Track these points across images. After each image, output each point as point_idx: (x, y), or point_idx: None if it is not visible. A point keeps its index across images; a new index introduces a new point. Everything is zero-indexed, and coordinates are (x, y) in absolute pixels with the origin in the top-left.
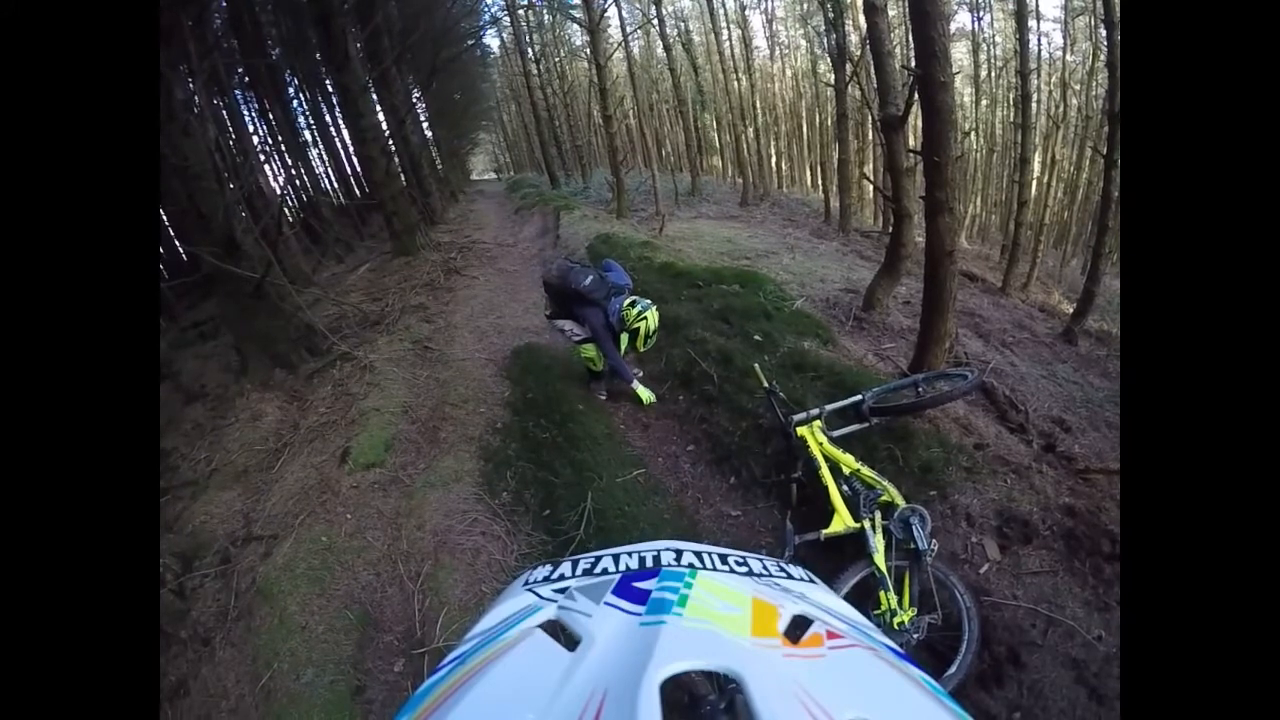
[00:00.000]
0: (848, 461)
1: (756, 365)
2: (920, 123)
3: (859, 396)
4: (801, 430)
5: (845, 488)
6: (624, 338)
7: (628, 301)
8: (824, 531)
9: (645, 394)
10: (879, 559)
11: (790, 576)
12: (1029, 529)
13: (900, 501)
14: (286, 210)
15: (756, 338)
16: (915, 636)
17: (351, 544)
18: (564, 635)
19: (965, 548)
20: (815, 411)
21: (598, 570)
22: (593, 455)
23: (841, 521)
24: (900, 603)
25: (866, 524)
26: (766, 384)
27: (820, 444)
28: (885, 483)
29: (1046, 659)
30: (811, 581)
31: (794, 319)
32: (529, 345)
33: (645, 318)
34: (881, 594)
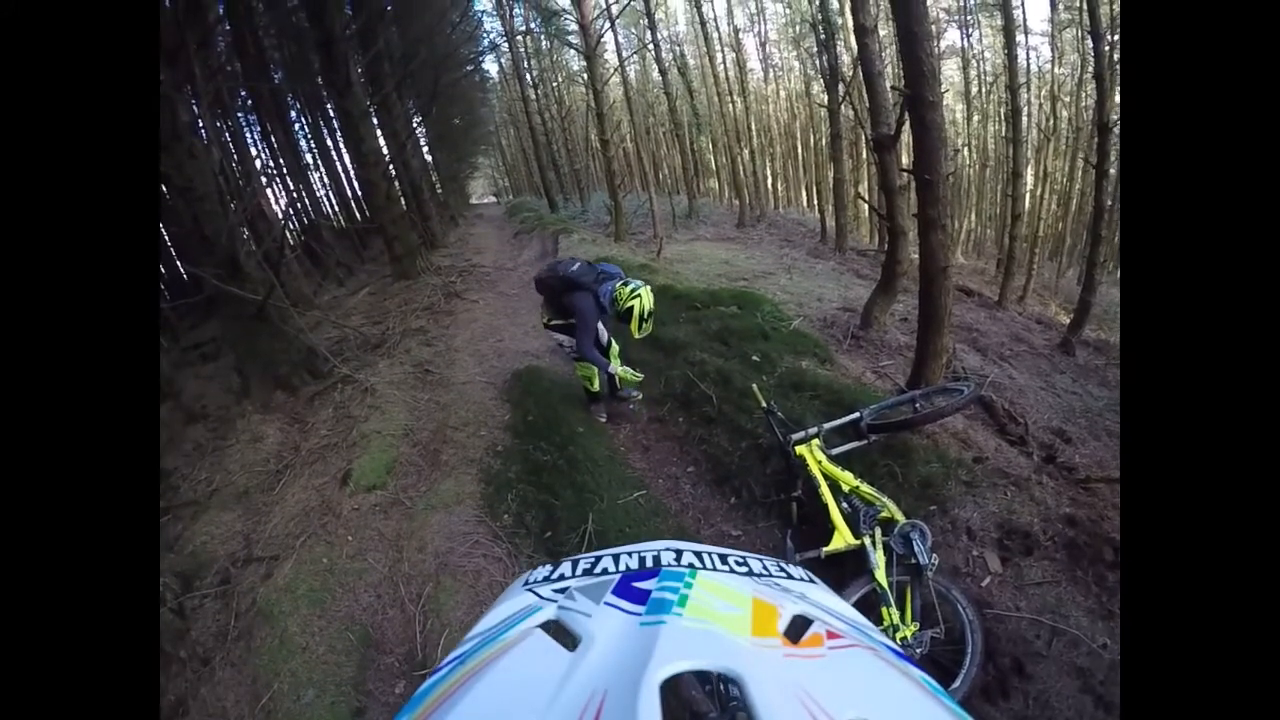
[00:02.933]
0: (846, 479)
1: (755, 385)
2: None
3: (856, 414)
4: (800, 449)
5: (845, 505)
6: (615, 354)
7: (619, 283)
8: (824, 549)
9: (623, 370)
10: (880, 575)
11: (790, 576)
12: (1030, 540)
13: (900, 517)
14: (288, 233)
15: (755, 358)
16: (918, 651)
17: (353, 566)
18: (564, 635)
19: (967, 561)
20: (813, 430)
21: (598, 570)
22: (593, 477)
23: (842, 539)
24: (902, 618)
25: (867, 540)
26: (765, 404)
27: (819, 462)
28: (884, 499)
29: (1051, 669)
30: (811, 581)
31: (792, 339)
32: (529, 368)
33: (639, 295)
34: (883, 609)
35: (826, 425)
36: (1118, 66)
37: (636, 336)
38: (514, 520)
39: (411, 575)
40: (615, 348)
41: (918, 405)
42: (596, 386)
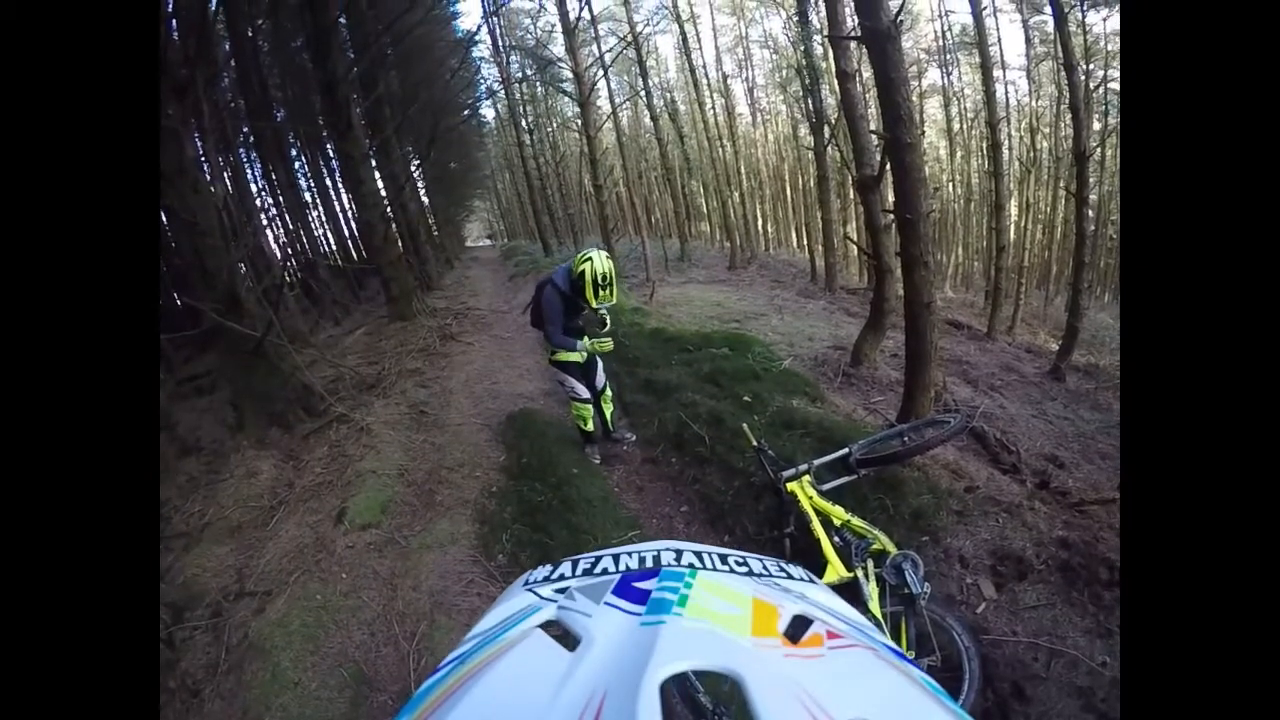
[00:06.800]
0: (838, 513)
1: (746, 425)
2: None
3: (846, 450)
4: (792, 486)
5: (837, 539)
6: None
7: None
8: None
9: (592, 344)
10: (874, 606)
11: (790, 576)
12: (1024, 565)
13: (892, 549)
14: (286, 270)
15: (746, 398)
16: None
17: (346, 603)
18: (564, 635)
19: (961, 589)
20: (804, 467)
21: (598, 570)
22: (588, 518)
23: (835, 572)
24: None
25: (859, 573)
26: (756, 443)
27: (810, 498)
28: (876, 531)
29: (1052, 690)
30: (811, 581)
31: (783, 378)
32: (524, 410)
33: (590, 259)
34: None
35: (817, 461)
36: (1093, 96)
37: (594, 306)
38: (509, 560)
39: (406, 613)
40: (609, 391)
41: (906, 438)
42: (590, 427)
